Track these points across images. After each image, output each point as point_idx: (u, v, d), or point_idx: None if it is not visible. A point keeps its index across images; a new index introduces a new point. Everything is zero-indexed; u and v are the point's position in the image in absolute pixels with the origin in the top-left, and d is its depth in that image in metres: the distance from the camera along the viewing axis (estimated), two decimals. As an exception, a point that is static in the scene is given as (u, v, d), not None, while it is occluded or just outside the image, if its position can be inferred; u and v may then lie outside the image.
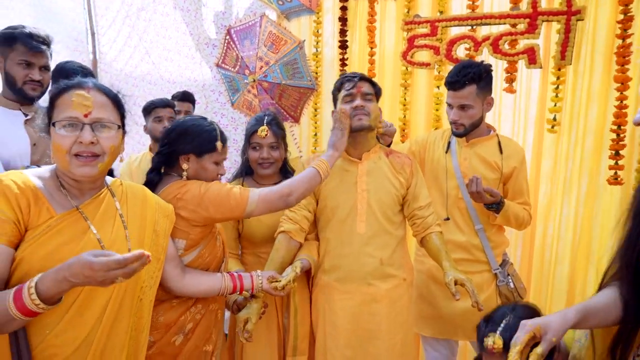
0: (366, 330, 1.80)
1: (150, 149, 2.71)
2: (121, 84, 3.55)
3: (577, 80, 2.24)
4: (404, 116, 2.60)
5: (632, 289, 1.09)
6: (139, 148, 3.37)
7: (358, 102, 1.77)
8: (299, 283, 1.92)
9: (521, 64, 2.30)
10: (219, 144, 1.59)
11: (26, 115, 1.87)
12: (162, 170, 1.62)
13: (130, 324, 1.25)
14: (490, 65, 2.01)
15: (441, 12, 2.44)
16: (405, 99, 2.59)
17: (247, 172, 2.04)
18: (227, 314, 1.86)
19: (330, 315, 1.84)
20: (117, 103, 1.22)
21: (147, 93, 3.47)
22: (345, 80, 1.83)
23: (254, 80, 2.60)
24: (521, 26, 2.24)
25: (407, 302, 1.88)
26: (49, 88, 1.90)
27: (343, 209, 1.83)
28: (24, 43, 1.79)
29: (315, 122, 2.83)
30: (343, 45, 2.71)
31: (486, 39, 2.31)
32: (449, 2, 2.46)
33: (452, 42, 2.38)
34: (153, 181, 1.59)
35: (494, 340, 1.23)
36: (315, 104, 2.79)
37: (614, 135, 2.09)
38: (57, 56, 3.09)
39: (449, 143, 2.08)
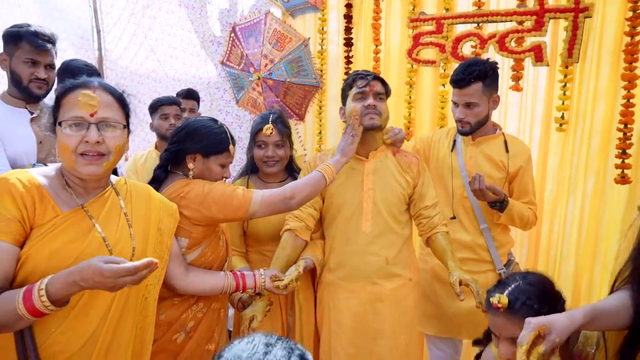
0: (371, 329, 1.80)
1: (156, 147, 2.72)
2: (126, 81, 3.56)
3: (584, 79, 2.22)
4: (409, 114, 2.59)
5: None
6: (144, 145, 3.38)
7: (370, 101, 1.76)
8: (304, 282, 1.92)
9: (527, 61, 2.28)
10: (230, 148, 1.60)
11: (32, 113, 1.88)
12: (169, 168, 1.63)
13: (136, 322, 1.26)
14: (496, 63, 1.99)
15: (447, 10, 2.42)
16: (410, 97, 2.57)
17: (252, 170, 2.04)
18: (231, 311, 1.87)
19: (335, 314, 1.84)
20: (122, 102, 1.23)
21: (152, 91, 3.48)
22: (358, 77, 1.80)
23: (259, 78, 2.60)
24: (528, 23, 2.22)
25: (413, 302, 1.88)
26: (55, 86, 1.91)
27: (349, 207, 1.82)
28: (30, 42, 1.79)
29: (320, 120, 2.82)
30: (348, 43, 2.70)
31: (492, 36, 2.29)
32: (455, 0, 2.45)
33: (458, 40, 2.37)
34: (159, 178, 1.60)
35: (499, 298, 1.21)
36: (320, 101, 2.78)
37: (620, 134, 2.07)
38: (62, 54, 3.11)
39: (455, 141, 2.07)
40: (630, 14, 2.03)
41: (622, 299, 1.12)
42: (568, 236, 2.29)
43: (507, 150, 1.98)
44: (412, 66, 2.54)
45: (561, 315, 1.09)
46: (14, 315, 1.02)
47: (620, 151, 2.07)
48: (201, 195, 1.50)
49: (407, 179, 1.84)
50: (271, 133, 1.90)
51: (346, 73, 2.70)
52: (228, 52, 2.74)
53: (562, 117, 2.24)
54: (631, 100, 2.05)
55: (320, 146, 2.83)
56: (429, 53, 2.49)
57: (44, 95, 1.88)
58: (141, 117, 3.18)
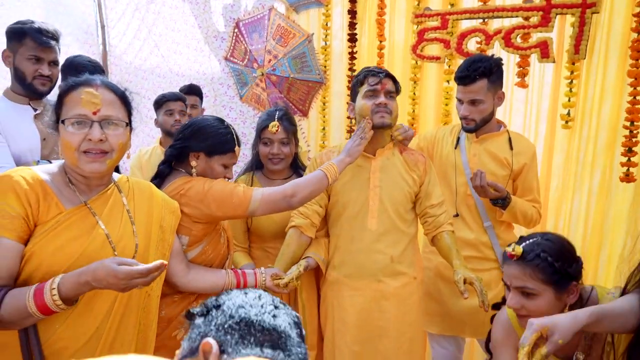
0: (375, 328, 1.80)
1: (161, 143, 2.72)
2: (130, 76, 3.56)
3: (590, 75, 2.19)
4: (413, 111, 2.57)
5: None
6: (149, 141, 3.39)
7: (382, 99, 1.74)
8: (307, 281, 1.92)
9: (533, 58, 2.26)
10: (236, 149, 1.60)
11: (35, 109, 1.88)
12: (173, 165, 1.63)
13: (138, 318, 1.27)
14: (501, 59, 1.97)
15: (452, 5, 2.39)
16: (414, 94, 2.56)
17: (257, 166, 2.04)
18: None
19: (339, 312, 1.84)
20: (124, 100, 1.23)
21: (156, 86, 3.48)
22: (369, 74, 1.78)
23: (263, 74, 2.59)
24: (534, 19, 2.20)
25: (417, 301, 1.87)
26: (58, 83, 1.91)
27: (354, 205, 1.82)
28: (34, 38, 1.79)
29: (324, 116, 2.81)
30: (352, 39, 2.68)
31: (498, 32, 2.27)
32: (460, -5, 2.43)
33: (463, 36, 2.35)
34: (163, 173, 1.60)
35: (514, 248, 1.25)
36: (324, 97, 2.77)
37: (627, 132, 2.05)
38: (67, 49, 3.12)
39: (458, 139, 2.05)
40: (638, 10, 2.00)
41: (631, 302, 1.11)
42: (573, 233, 2.27)
43: (511, 148, 1.97)
44: (416, 62, 2.52)
45: (564, 316, 1.08)
46: (23, 313, 1.04)
47: (626, 149, 2.05)
48: (201, 192, 1.51)
49: (413, 177, 1.83)
50: (277, 130, 1.90)
51: (350, 69, 2.69)
52: (232, 47, 2.73)
53: (568, 114, 2.22)
54: (638, 98, 2.02)
55: (323, 142, 2.82)
56: (433, 49, 2.47)
57: (48, 92, 1.88)
58: (145, 113, 3.18)
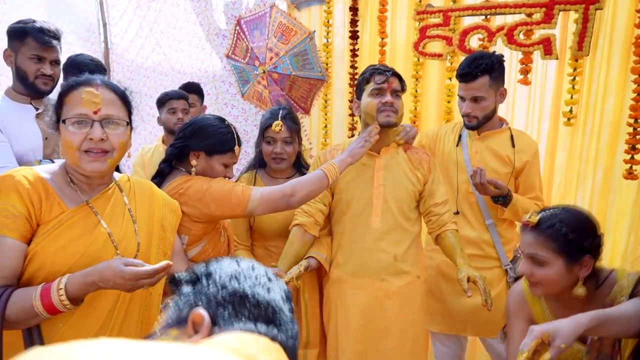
0: (378, 326, 1.80)
1: (163, 141, 2.72)
2: (132, 74, 3.56)
3: (594, 72, 2.18)
4: (415, 108, 2.57)
5: None
6: (151, 139, 3.39)
7: (388, 98, 1.73)
8: (309, 280, 1.92)
9: (536, 54, 2.24)
10: (236, 149, 1.60)
11: (37, 109, 1.88)
12: (173, 164, 1.63)
13: (141, 317, 1.27)
14: (503, 56, 1.97)
15: (454, 2, 2.38)
16: (416, 91, 2.55)
17: (260, 165, 2.03)
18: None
19: (342, 310, 1.84)
20: (125, 100, 1.23)
21: (157, 84, 3.48)
22: (376, 72, 1.76)
23: (264, 72, 2.59)
24: (537, 16, 2.18)
25: (420, 300, 1.87)
26: (60, 82, 1.92)
27: (358, 203, 1.81)
28: (35, 38, 1.79)
29: (326, 114, 2.81)
30: (354, 36, 2.67)
31: (500, 29, 2.26)
32: (462, -9, 2.42)
33: (465, 33, 2.34)
34: (163, 172, 1.61)
35: (531, 215, 1.28)
36: (326, 95, 2.76)
37: (630, 129, 2.04)
38: (69, 47, 3.12)
39: (460, 136, 2.05)
40: (642, 5, 1.99)
41: (637, 307, 1.09)
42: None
43: (513, 145, 1.96)
44: (418, 59, 2.51)
45: (566, 320, 1.07)
46: (29, 313, 1.05)
47: (630, 146, 2.04)
48: (200, 192, 1.51)
49: (417, 176, 1.83)
50: (280, 129, 1.89)
51: (352, 66, 2.68)
52: (233, 45, 2.73)
53: (571, 111, 2.21)
54: (641, 95, 2.01)
55: (325, 140, 2.82)
56: (435, 46, 2.46)
57: (50, 91, 1.89)
58: (147, 111, 3.19)
